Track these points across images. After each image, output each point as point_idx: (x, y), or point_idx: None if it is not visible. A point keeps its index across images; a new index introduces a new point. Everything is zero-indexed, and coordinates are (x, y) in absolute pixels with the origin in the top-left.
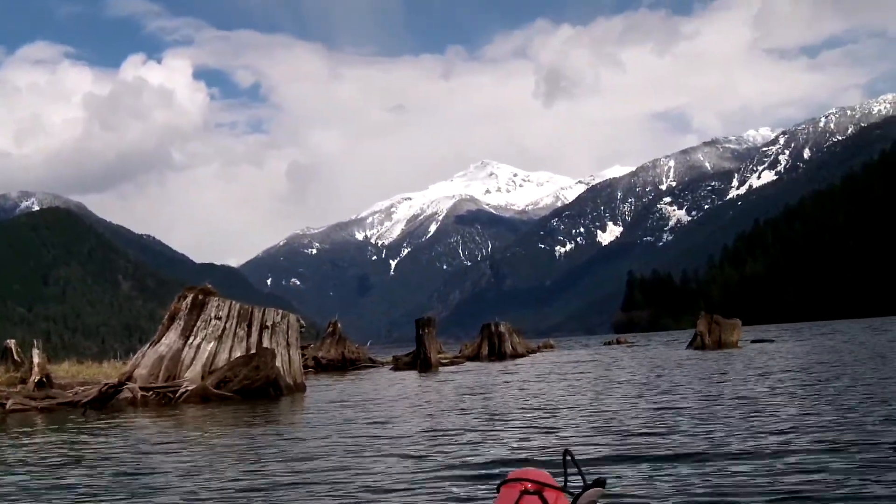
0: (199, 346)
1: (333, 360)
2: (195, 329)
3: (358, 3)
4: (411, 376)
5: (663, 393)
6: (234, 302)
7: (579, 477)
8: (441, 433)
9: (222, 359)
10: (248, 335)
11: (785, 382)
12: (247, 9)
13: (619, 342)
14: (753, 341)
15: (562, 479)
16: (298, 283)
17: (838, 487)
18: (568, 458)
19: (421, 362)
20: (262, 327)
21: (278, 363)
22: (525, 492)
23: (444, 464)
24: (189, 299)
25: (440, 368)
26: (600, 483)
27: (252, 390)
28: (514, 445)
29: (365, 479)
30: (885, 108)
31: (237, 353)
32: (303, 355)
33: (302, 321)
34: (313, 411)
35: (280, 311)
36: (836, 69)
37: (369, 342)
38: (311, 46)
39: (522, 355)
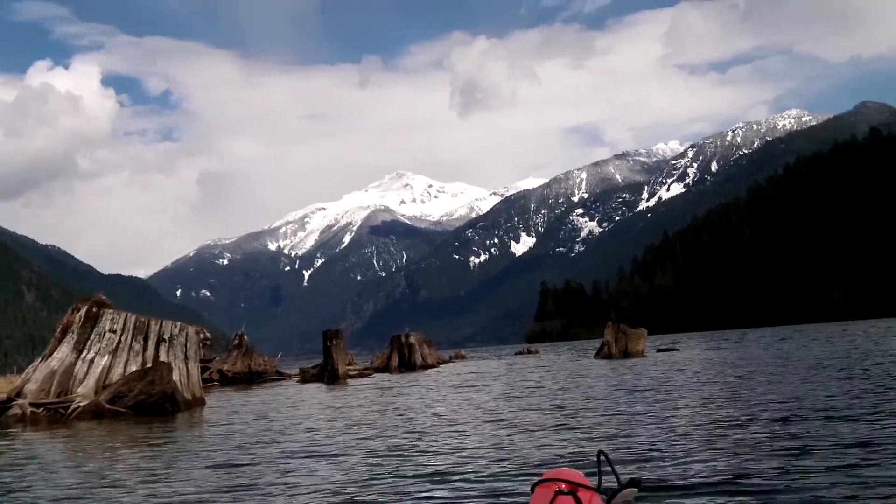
0: (92, 361)
1: (240, 373)
2: (89, 342)
3: (273, 11)
4: (317, 389)
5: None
6: (129, 314)
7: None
8: (321, 461)
9: (117, 373)
10: (145, 349)
11: (662, 393)
12: (160, 15)
13: (529, 352)
14: (659, 350)
15: (597, 478)
16: (209, 294)
17: None
18: (602, 458)
19: (328, 374)
20: (159, 340)
21: (175, 377)
22: (559, 492)
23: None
24: (83, 311)
25: (348, 381)
26: (635, 483)
27: (147, 406)
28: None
29: None
30: (789, 123)
31: (132, 368)
32: (208, 368)
33: (206, 333)
34: (201, 430)
35: (178, 324)
36: (744, 85)
37: (280, 354)
38: (225, 54)
39: (433, 366)
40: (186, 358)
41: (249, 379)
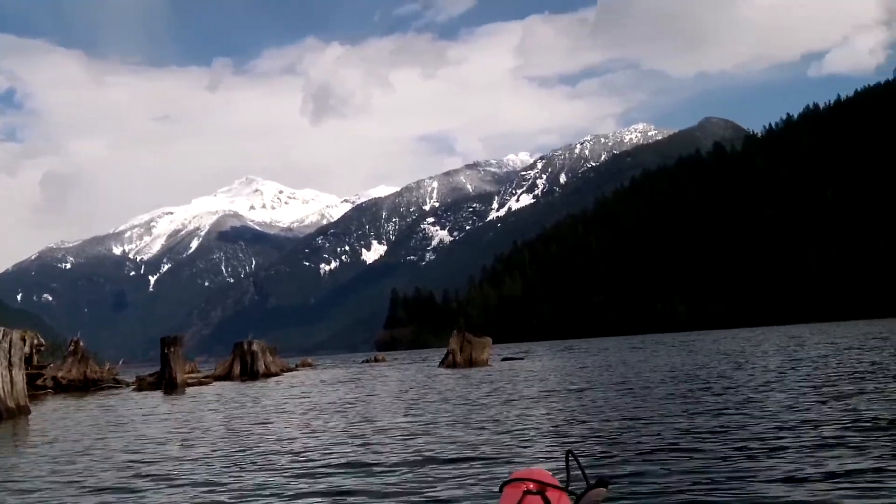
0: None
1: (75, 381)
2: None
3: (122, 10)
4: (151, 398)
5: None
6: None
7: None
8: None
9: None
10: None
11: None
12: (4, 12)
13: (376, 360)
14: (504, 359)
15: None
16: (51, 298)
17: None
18: (571, 458)
19: (166, 383)
20: None
21: None
22: (528, 492)
23: None
24: None
25: (187, 389)
26: (603, 483)
27: None
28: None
29: None
30: (636, 136)
31: None
32: (41, 375)
33: (39, 339)
34: (16, 442)
35: (2, 329)
36: (592, 98)
37: (121, 361)
38: (72, 52)
39: (277, 374)
40: (10, 365)
41: (85, 387)
